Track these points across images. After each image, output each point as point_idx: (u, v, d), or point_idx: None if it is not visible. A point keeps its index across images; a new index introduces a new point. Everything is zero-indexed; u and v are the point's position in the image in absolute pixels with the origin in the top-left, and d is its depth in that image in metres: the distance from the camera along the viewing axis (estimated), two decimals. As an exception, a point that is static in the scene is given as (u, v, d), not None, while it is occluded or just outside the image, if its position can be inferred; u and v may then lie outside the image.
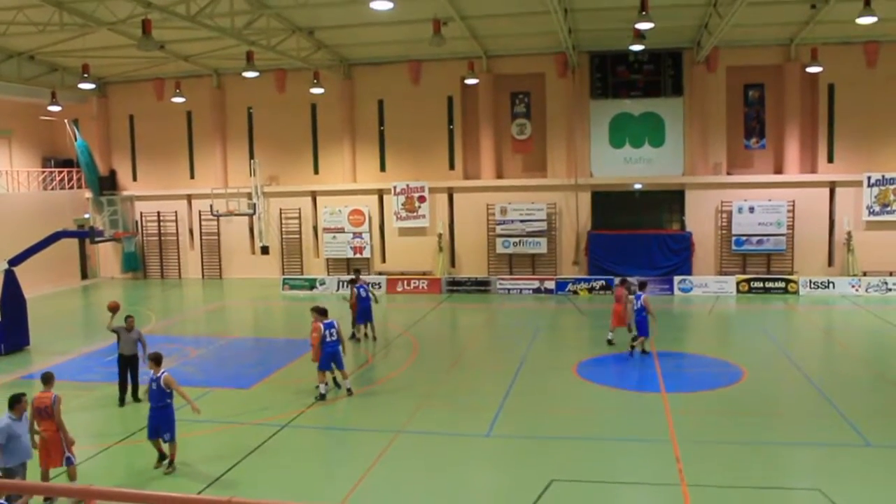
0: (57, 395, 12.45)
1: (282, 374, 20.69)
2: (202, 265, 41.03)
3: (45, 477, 12.31)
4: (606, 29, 32.12)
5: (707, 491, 12.40)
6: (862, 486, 12.72)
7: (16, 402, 11.72)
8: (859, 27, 27.79)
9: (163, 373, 13.89)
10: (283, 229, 39.64)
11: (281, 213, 39.58)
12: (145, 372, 14.91)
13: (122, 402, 18.00)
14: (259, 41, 30.01)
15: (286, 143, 39.52)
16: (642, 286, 23.05)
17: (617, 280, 26.50)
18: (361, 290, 24.17)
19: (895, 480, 12.93)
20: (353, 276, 24.93)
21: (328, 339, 17.80)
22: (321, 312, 18.17)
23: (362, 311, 24.17)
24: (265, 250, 39.44)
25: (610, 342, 23.09)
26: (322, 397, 17.76)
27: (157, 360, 14.18)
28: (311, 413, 17.00)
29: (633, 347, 22.00)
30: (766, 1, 27.08)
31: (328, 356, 17.81)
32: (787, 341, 24.39)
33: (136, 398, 17.89)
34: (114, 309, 18.57)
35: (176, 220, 41.01)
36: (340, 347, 18.12)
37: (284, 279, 37.17)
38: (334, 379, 18.49)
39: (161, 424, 13.70)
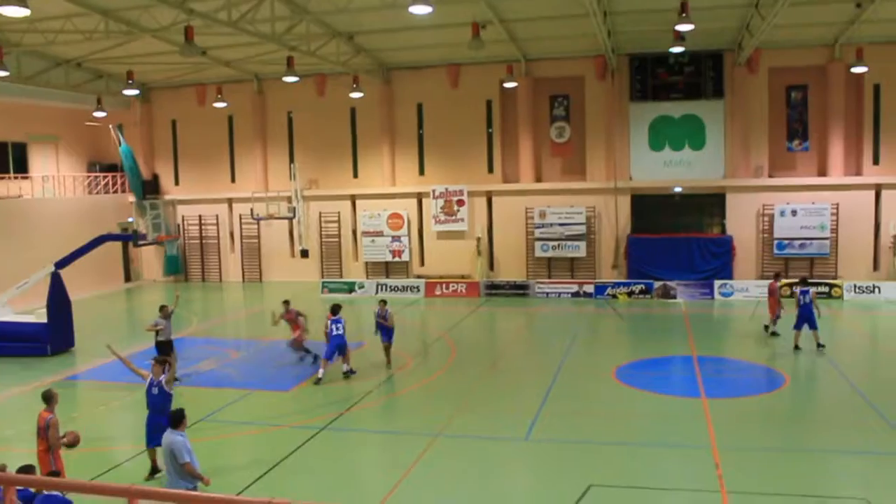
0: (52, 417, 11.97)
1: (330, 370, 20.82)
2: (242, 268, 41.46)
3: None
4: (646, 31, 31.89)
5: (747, 498, 12.24)
6: (907, 494, 12.49)
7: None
8: (906, 27, 27.29)
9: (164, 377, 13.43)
10: (323, 233, 39.92)
11: (320, 216, 39.87)
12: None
13: None
14: (299, 46, 30.29)
15: (326, 147, 39.80)
16: (805, 282, 24.36)
17: (772, 274, 27.46)
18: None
19: (942, 489, 12.67)
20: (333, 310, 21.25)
21: (334, 332, 19.95)
22: (332, 310, 20.45)
23: (336, 346, 20.33)
24: (305, 254, 39.71)
25: (774, 333, 24.64)
26: (318, 381, 19.68)
27: (162, 363, 13.98)
28: (350, 416, 17.11)
29: (772, 333, 24.57)
30: (809, 1, 26.70)
31: (333, 347, 19.96)
32: (831, 347, 23.98)
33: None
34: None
35: (217, 224, 41.48)
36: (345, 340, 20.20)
37: (324, 282, 37.42)
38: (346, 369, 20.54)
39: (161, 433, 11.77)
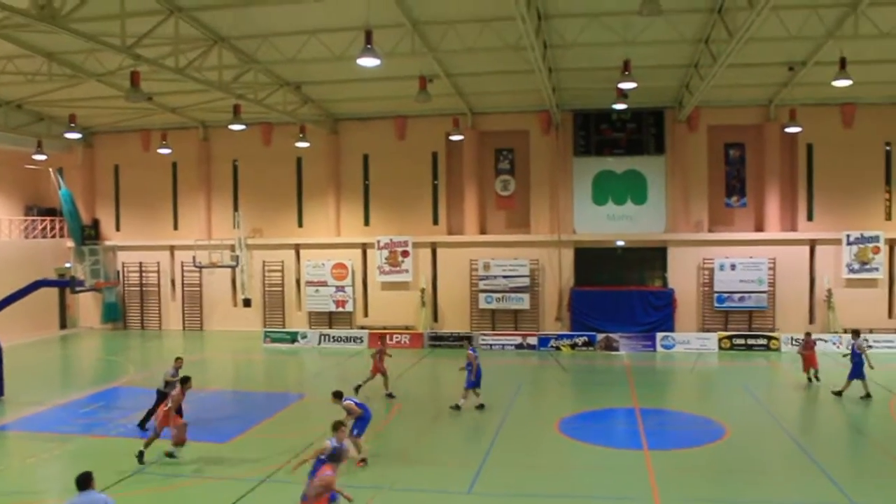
0: None
1: (261, 428, 20.45)
2: (183, 316, 40.76)
3: None
4: (590, 88, 32.63)
5: (690, 550, 12.26)
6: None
7: None
8: (836, 89, 28.38)
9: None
10: (266, 282, 39.54)
11: (264, 265, 39.51)
12: None
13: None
14: (246, 94, 30.26)
15: (271, 196, 39.62)
16: (856, 334, 24.49)
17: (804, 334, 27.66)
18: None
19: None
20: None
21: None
22: (338, 396, 17.40)
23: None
24: (247, 303, 39.24)
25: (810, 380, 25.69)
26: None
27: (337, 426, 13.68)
28: (290, 468, 16.75)
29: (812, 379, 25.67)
30: (745, 63, 27.59)
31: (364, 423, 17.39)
32: (770, 398, 24.37)
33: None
34: None
35: (158, 271, 40.82)
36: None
37: (266, 332, 36.93)
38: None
39: None
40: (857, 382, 23.04)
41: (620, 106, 31.27)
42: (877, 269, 34.77)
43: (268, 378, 30.30)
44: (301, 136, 36.00)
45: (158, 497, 14.57)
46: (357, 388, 23.49)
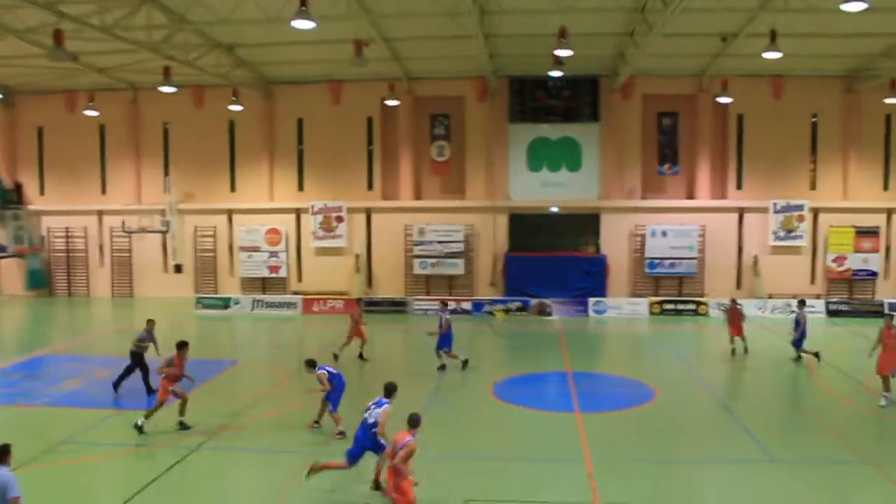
0: None
1: (192, 395, 20.13)
2: (112, 283, 39.89)
3: None
4: (526, 55, 32.59)
5: (619, 509, 12.55)
6: (766, 500, 13.06)
7: None
8: (766, 61, 28.83)
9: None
10: (198, 247, 38.90)
11: (196, 230, 38.84)
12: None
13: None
14: (177, 56, 29.50)
15: (203, 160, 38.84)
16: (802, 303, 24.86)
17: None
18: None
19: (797, 493, 13.33)
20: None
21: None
22: (311, 365, 16.95)
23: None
24: (178, 269, 38.60)
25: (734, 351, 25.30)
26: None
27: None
28: (226, 434, 16.63)
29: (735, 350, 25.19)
30: (679, 33, 27.86)
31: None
32: (697, 362, 25.01)
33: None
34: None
35: (85, 237, 39.82)
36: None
37: (198, 298, 36.42)
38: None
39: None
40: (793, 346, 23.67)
41: (556, 73, 31.42)
42: (801, 237, 35.78)
43: (200, 345, 29.70)
44: (234, 99, 35.34)
45: (87, 468, 14.31)
46: (336, 356, 23.55)
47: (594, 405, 19.15)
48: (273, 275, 37.94)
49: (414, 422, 12.02)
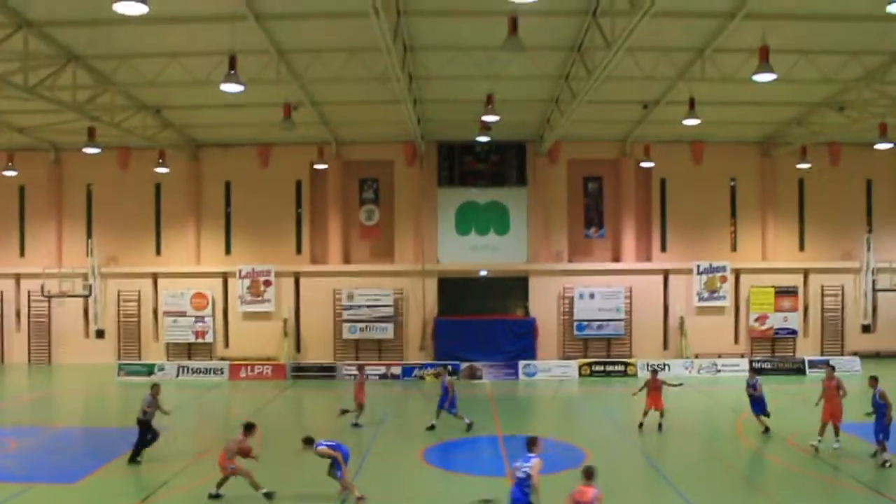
0: None
1: (113, 465, 19.43)
2: (29, 349, 38.48)
3: None
4: (454, 120, 33.10)
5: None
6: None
7: None
8: (686, 127, 29.86)
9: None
10: (121, 312, 37.92)
11: (119, 295, 37.90)
12: None
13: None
14: (102, 117, 29.12)
15: (127, 222, 38.13)
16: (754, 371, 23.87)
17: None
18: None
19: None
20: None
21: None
22: (309, 442, 16.52)
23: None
24: (100, 334, 37.52)
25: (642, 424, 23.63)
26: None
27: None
28: (146, 506, 16.03)
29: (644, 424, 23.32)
30: (602, 100, 28.64)
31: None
32: (627, 422, 25.12)
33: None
34: None
35: (1, 301, 38.50)
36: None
37: (120, 364, 35.36)
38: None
39: None
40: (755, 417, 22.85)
41: (483, 138, 31.97)
42: (724, 298, 36.68)
43: (122, 413, 28.82)
44: (160, 161, 34.96)
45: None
46: (343, 412, 23.84)
47: (525, 469, 19.05)
48: (199, 340, 37.16)
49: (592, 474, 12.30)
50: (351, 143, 37.35)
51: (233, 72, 20.97)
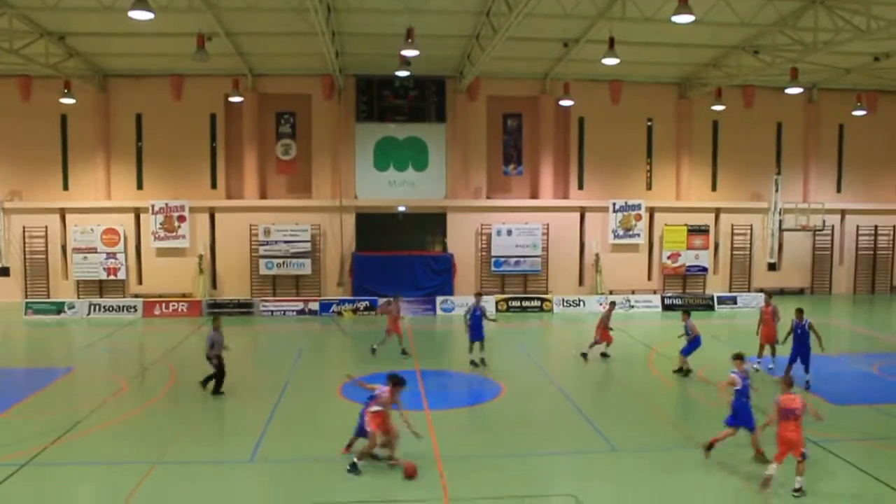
0: None
1: (22, 407, 18.94)
2: (-71, 287, 37.05)
3: None
4: (373, 54, 32.61)
5: (469, 505, 12.69)
6: (611, 487, 13.58)
7: None
8: (605, 67, 30.05)
9: None
10: (27, 249, 36.65)
11: (24, 231, 36.58)
12: None
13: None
14: (0, 44, 27.69)
15: (31, 155, 36.65)
16: (687, 314, 22.90)
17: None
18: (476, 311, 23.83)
19: (638, 480, 13.87)
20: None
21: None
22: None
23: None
24: (5, 272, 36.26)
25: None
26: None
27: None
28: (56, 449, 15.63)
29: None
30: (523, 37, 28.56)
31: None
32: (543, 357, 25.67)
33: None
34: None
35: None
36: None
37: (27, 303, 34.31)
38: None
39: None
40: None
41: (403, 73, 31.56)
42: (638, 235, 37.46)
43: (30, 353, 28.25)
44: (66, 91, 33.53)
45: None
46: (373, 350, 24.52)
47: (443, 402, 19.32)
48: (111, 277, 36.27)
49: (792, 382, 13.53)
50: (267, 75, 36.49)
51: (142, -3, 20.14)
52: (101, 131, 36.58)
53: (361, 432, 14.64)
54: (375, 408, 14.50)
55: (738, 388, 14.51)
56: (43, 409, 18.46)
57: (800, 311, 20.71)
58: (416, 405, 18.91)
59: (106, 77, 36.37)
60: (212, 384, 19.86)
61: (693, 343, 22.18)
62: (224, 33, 29.13)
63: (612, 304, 25.78)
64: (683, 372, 22.10)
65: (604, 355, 24.59)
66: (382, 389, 14.52)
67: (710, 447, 14.62)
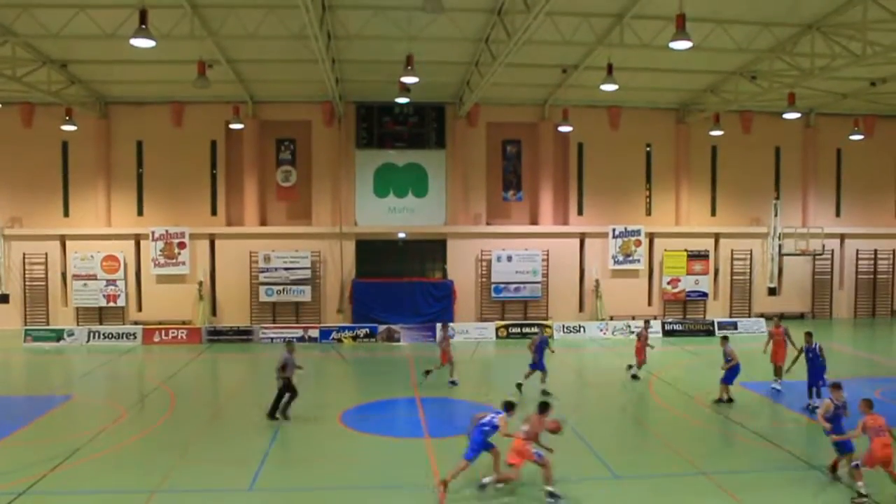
0: None
1: (21, 434, 18.85)
2: (-71, 315, 36.97)
3: None
4: (373, 81, 32.79)
5: (470, 534, 12.57)
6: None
7: None
8: (604, 93, 30.16)
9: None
10: (27, 276, 36.62)
11: (24, 257, 36.57)
12: None
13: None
14: (3, 70, 27.84)
15: (32, 182, 36.72)
16: (725, 339, 22.17)
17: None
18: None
19: (641, 511, 13.79)
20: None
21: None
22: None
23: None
24: (4, 299, 36.21)
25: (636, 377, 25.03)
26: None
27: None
28: (55, 476, 15.53)
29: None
30: (522, 63, 28.71)
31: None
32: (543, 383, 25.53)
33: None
34: None
35: None
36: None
37: (27, 330, 34.20)
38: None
39: None
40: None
41: (403, 100, 31.71)
42: (638, 261, 37.44)
43: (29, 380, 28.12)
44: (67, 118, 33.66)
45: None
46: (427, 373, 24.49)
47: (443, 430, 19.17)
48: (111, 304, 36.20)
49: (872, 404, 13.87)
50: (268, 102, 36.66)
51: (143, 26, 20.25)
52: (102, 158, 36.69)
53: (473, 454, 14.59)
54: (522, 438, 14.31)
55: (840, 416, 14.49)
56: (42, 436, 18.36)
57: (809, 335, 20.89)
58: (415, 433, 18.86)
59: (107, 104, 36.54)
60: (285, 405, 20.07)
61: (734, 370, 21.14)
62: (225, 60, 29.29)
63: (647, 322, 26.98)
64: (726, 401, 21.06)
65: (634, 377, 24.96)
66: (498, 416, 14.69)
67: (833, 469, 14.87)
